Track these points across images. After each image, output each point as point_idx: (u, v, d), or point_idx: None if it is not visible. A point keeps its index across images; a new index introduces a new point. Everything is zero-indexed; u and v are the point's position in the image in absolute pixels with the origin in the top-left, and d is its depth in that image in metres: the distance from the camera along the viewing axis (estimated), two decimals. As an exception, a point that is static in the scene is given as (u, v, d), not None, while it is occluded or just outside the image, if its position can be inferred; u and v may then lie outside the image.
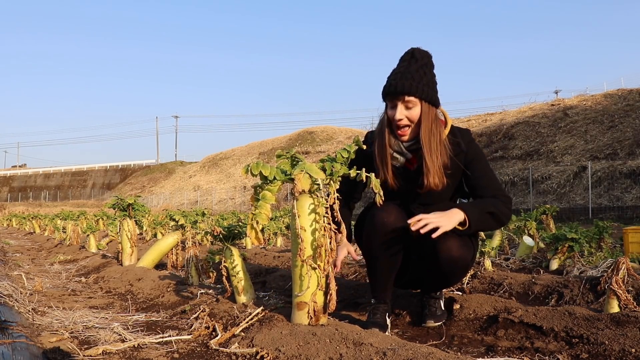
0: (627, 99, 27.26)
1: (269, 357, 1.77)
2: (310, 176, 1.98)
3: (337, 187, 2.00)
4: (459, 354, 1.89)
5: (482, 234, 4.67)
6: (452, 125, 2.34)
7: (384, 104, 2.32)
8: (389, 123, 2.28)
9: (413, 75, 2.18)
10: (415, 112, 2.21)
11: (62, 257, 6.10)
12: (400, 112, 2.20)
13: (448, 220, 2.08)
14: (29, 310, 2.63)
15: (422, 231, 2.04)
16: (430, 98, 2.21)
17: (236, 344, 1.96)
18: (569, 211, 18.29)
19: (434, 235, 2.06)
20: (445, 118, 2.34)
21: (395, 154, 2.30)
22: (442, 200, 2.32)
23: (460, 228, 2.13)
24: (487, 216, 2.19)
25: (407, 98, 2.18)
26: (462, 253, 2.17)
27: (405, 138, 2.26)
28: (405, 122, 2.22)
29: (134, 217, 4.60)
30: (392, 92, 2.19)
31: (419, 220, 2.06)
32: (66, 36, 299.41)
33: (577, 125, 26.61)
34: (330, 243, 1.98)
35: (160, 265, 4.40)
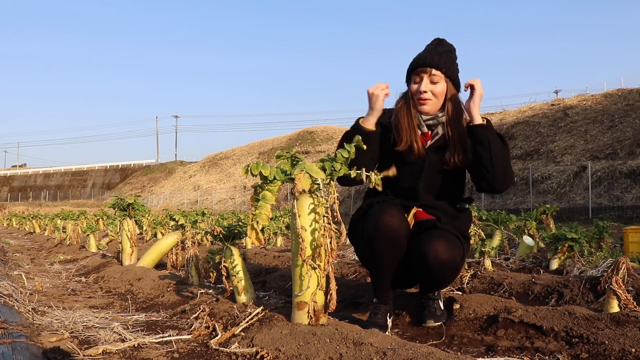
0: (627, 99, 27.26)
1: (269, 357, 1.77)
2: (311, 176, 1.98)
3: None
4: (459, 353, 1.89)
5: (482, 233, 4.68)
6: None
7: (406, 85, 2.39)
8: (411, 96, 2.35)
9: (441, 54, 2.29)
10: (440, 88, 2.29)
11: (62, 257, 6.10)
12: (425, 85, 2.28)
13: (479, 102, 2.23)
14: (29, 310, 2.63)
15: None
16: (455, 79, 2.32)
17: (236, 343, 1.96)
18: (569, 211, 18.29)
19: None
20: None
21: None
22: (446, 182, 2.35)
23: (481, 124, 2.22)
24: (503, 147, 2.25)
25: (433, 72, 2.26)
26: (450, 255, 2.15)
27: (426, 108, 2.31)
28: (428, 95, 2.29)
29: (134, 217, 4.60)
30: (421, 64, 2.28)
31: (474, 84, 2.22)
32: (66, 35, 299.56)
33: (577, 125, 26.61)
34: (330, 243, 1.98)
35: (160, 265, 4.40)
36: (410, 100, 2.34)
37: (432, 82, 2.28)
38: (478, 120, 2.23)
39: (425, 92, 2.27)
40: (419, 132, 2.34)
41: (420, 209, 2.33)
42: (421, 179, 2.33)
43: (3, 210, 43.00)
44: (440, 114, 2.33)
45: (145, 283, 3.50)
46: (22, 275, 4.02)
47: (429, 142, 2.35)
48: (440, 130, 2.34)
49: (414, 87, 2.32)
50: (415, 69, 2.30)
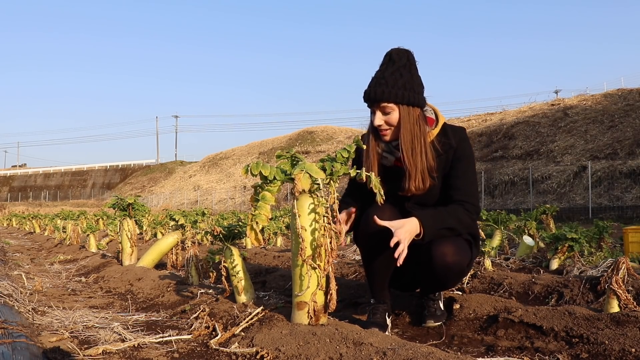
0: (627, 99, 27.27)
1: (269, 357, 1.77)
2: (310, 176, 1.98)
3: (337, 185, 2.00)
4: (459, 353, 1.89)
5: (482, 233, 4.68)
6: (444, 124, 2.30)
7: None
8: (372, 126, 2.29)
9: (387, 80, 2.16)
10: (394, 117, 2.20)
11: (62, 257, 6.10)
12: (379, 118, 2.22)
13: (406, 234, 2.05)
14: (29, 310, 2.63)
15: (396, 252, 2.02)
16: (409, 100, 2.18)
17: (236, 343, 1.96)
18: (569, 211, 18.30)
19: (396, 255, 2.02)
20: (436, 116, 2.31)
21: (384, 154, 2.31)
22: (434, 198, 2.29)
23: (415, 238, 2.11)
24: (444, 231, 2.16)
25: (383, 104, 2.19)
26: (457, 259, 2.14)
27: (387, 139, 2.27)
28: (384, 126, 2.23)
29: (134, 217, 4.60)
30: (367, 100, 2.23)
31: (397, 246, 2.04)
32: (66, 35, 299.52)
33: (577, 125, 26.62)
34: (330, 243, 1.98)
35: (160, 265, 4.40)
36: (372, 129, 2.30)
37: (385, 113, 2.21)
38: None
39: (380, 124, 2.22)
40: (378, 166, 2.28)
41: None
42: (404, 200, 2.30)
43: (3, 210, 42.99)
44: None
45: (145, 283, 3.50)
46: (22, 275, 4.01)
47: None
48: None
49: (371, 118, 2.27)
50: (367, 103, 2.25)
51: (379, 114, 2.22)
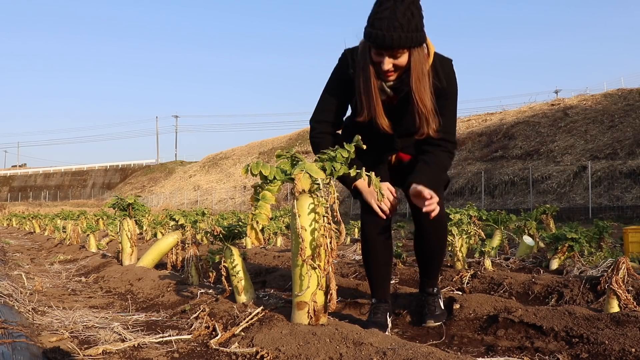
0: (627, 99, 27.26)
1: (269, 357, 1.77)
2: (310, 176, 1.98)
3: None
4: (459, 353, 1.89)
5: (482, 233, 4.68)
6: (434, 56, 2.20)
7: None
8: (373, 63, 2.14)
9: (401, 22, 1.97)
10: (403, 60, 2.08)
11: (62, 257, 6.10)
12: (388, 63, 2.08)
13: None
14: (29, 310, 2.63)
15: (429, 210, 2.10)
16: (419, 42, 2.05)
17: (236, 343, 1.96)
18: (569, 211, 18.30)
19: (433, 214, 2.11)
20: (428, 49, 2.19)
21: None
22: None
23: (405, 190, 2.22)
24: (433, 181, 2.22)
25: (397, 50, 2.05)
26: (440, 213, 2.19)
27: (391, 79, 2.16)
28: (392, 69, 2.11)
29: (134, 217, 4.60)
30: (380, 45, 2.03)
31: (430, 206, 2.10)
32: (66, 35, 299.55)
33: (577, 125, 26.61)
34: (330, 243, 1.98)
35: (160, 265, 4.40)
36: (371, 63, 2.11)
37: (396, 57, 2.06)
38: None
39: (389, 69, 2.09)
40: (381, 106, 2.17)
41: (400, 152, 2.36)
42: (387, 137, 2.28)
43: (3, 210, 43.01)
44: (404, 76, 2.15)
45: (145, 283, 3.50)
46: (22, 275, 4.01)
47: (396, 101, 2.22)
48: (405, 87, 2.17)
49: (375, 58, 2.09)
50: (374, 45, 2.05)
51: (388, 58, 2.07)
